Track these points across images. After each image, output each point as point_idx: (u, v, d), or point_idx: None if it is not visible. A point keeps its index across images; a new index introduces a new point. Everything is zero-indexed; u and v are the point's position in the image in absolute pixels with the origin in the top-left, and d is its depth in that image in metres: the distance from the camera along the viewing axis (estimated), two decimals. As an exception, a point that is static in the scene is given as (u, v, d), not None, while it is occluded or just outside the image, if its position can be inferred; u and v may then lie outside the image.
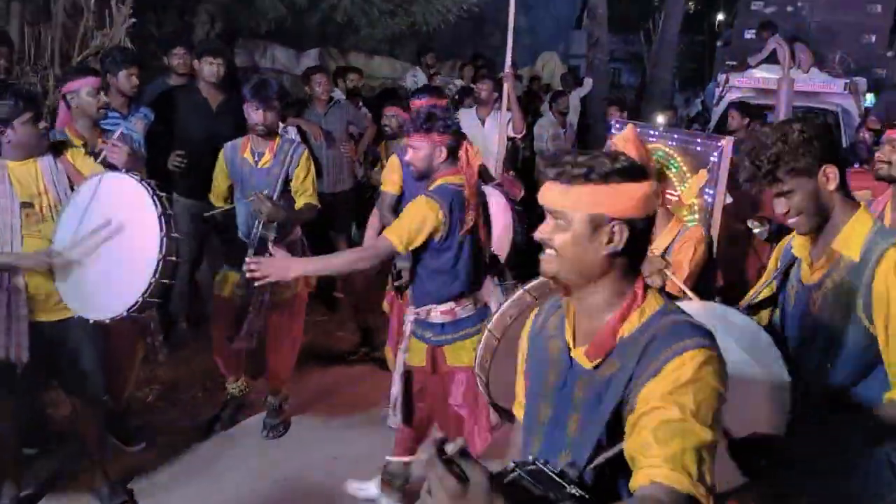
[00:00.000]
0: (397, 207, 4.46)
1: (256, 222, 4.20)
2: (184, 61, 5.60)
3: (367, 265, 3.45)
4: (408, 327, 3.71)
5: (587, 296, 1.71)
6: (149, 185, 3.27)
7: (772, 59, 9.07)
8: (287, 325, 4.62)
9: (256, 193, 4.11)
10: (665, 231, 3.42)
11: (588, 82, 11.60)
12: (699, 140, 4.61)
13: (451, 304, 3.57)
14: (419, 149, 3.48)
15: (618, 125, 5.95)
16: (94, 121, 4.09)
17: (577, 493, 1.50)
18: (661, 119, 7.60)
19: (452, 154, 3.52)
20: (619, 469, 1.60)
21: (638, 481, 1.50)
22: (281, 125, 5.72)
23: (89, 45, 5.77)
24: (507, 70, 6.11)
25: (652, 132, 5.21)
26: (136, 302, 3.19)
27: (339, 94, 7.38)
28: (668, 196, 4.67)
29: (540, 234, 1.71)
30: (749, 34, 10.48)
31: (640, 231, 1.66)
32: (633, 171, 1.64)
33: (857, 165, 6.43)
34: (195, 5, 8.51)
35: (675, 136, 4.82)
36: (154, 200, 3.21)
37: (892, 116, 7.20)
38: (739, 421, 2.23)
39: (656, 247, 3.37)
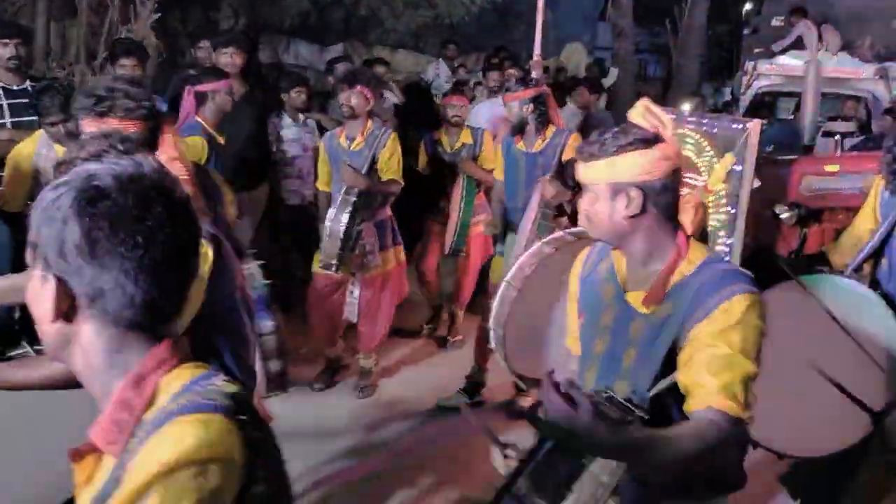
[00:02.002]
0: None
1: (341, 189, 4.53)
2: (209, 54, 5.65)
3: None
4: None
5: (627, 249, 1.96)
6: None
7: (799, 45, 8.92)
8: (376, 300, 4.91)
9: (343, 161, 4.58)
10: None
11: (613, 72, 11.53)
12: (725, 124, 4.55)
13: None
14: None
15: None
16: (224, 115, 4.57)
17: (643, 416, 1.73)
18: (686, 106, 7.52)
19: (149, 146, 2.38)
20: (674, 397, 1.84)
21: (693, 406, 1.76)
22: (301, 117, 5.76)
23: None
24: (536, 58, 6.10)
25: (677, 117, 5.15)
26: None
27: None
28: (693, 182, 4.62)
29: (581, 205, 1.97)
30: (777, 21, 10.31)
31: (658, 192, 1.87)
32: (643, 141, 1.86)
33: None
34: (219, 1, 8.57)
35: (701, 120, 4.77)
36: None
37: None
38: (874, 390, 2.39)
39: None
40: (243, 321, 2.40)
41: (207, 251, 2.20)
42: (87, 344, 1.15)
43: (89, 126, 2.53)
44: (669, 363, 1.85)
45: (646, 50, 20.51)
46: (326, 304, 4.90)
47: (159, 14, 5.96)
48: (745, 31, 11.45)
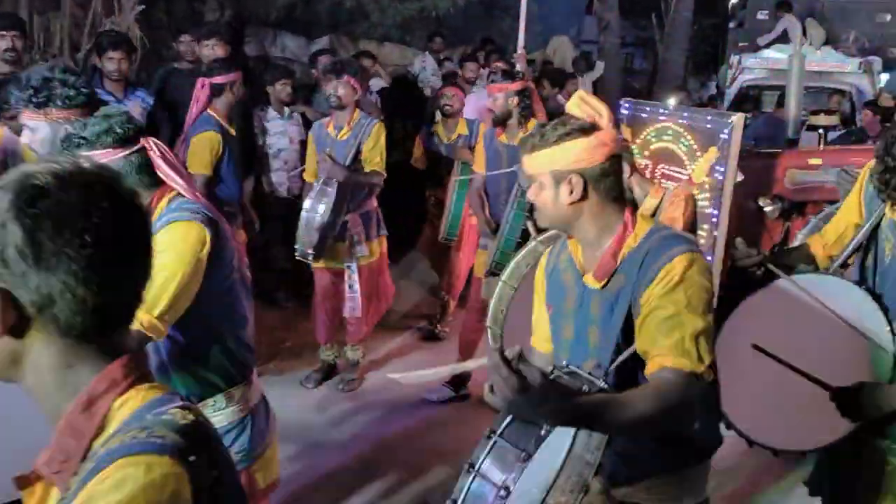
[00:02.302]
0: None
1: (320, 180, 4.55)
2: (191, 48, 5.62)
3: None
4: None
5: (578, 234, 2.04)
6: None
7: (784, 39, 8.97)
8: (368, 287, 4.88)
9: (322, 152, 4.60)
10: (649, 196, 3.43)
11: (599, 66, 11.53)
12: (709, 117, 4.57)
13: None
14: (35, 130, 2.51)
15: (626, 105, 5.91)
16: (233, 107, 4.66)
17: (605, 386, 1.80)
18: (672, 100, 7.54)
19: None
20: (637, 364, 1.91)
21: (651, 369, 1.83)
22: (286, 110, 5.75)
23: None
24: (520, 51, 6.11)
25: (662, 111, 5.18)
26: None
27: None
28: (677, 175, 4.64)
29: (528, 196, 2.06)
30: (762, 15, 10.39)
31: (597, 176, 1.96)
32: (580, 130, 1.95)
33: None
34: (204, -7, 8.53)
35: (685, 114, 4.79)
36: None
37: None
38: (842, 376, 2.39)
39: (645, 209, 3.39)
40: (241, 301, 2.42)
41: (206, 236, 2.19)
42: (37, 360, 1.06)
43: (29, 118, 2.53)
44: (629, 333, 1.94)
45: (632, 43, 20.54)
46: (333, 300, 4.93)
47: (143, 6, 5.92)
48: (731, 25, 11.50)
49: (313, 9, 10.03)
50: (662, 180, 5.03)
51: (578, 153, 1.94)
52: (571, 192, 1.95)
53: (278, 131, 5.74)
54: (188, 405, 1.09)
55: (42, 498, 1.10)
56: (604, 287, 2.00)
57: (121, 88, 4.84)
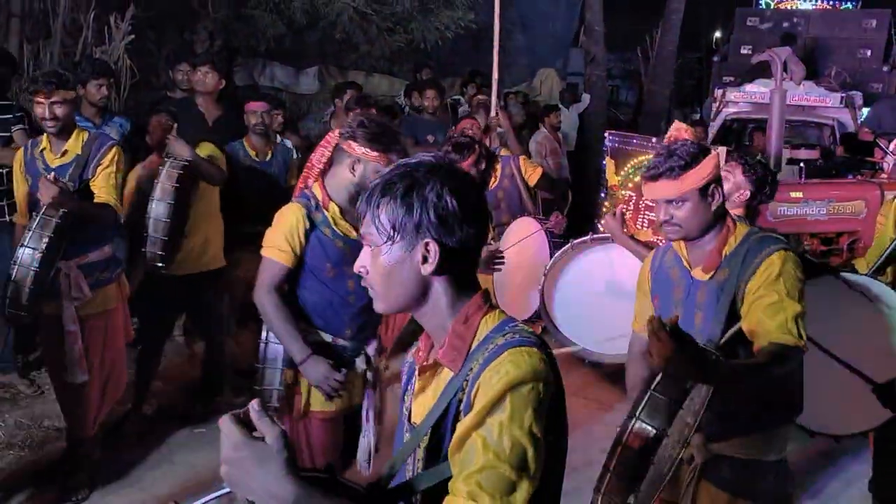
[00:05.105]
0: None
1: None
2: (187, 77, 5.66)
3: None
4: None
5: (701, 237, 2.44)
6: None
7: (767, 73, 9.10)
8: None
9: None
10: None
11: (585, 98, 11.66)
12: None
13: None
14: None
15: (611, 138, 6.00)
16: (267, 135, 5.21)
17: (718, 355, 2.17)
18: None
19: None
20: (739, 342, 2.33)
21: (759, 345, 2.26)
22: (278, 139, 5.79)
23: (88, 62, 5.81)
24: (495, 86, 6.18)
25: (648, 143, 5.25)
26: None
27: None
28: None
29: (662, 217, 2.42)
30: (745, 49, 10.54)
31: (721, 184, 2.42)
32: (704, 149, 2.41)
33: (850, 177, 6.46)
34: (195, 23, 8.58)
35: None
36: None
37: (884, 126, 7.25)
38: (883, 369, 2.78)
39: None
40: None
41: None
42: (437, 291, 1.53)
43: None
44: (732, 317, 2.33)
45: (617, 76, 20.75)
46: None
47: (133, 36, 5.96)
48: (715, 59, 11.65)
49: (302, 39, 10.11)
50: (647, 213, 5.09)
51: (712, 167, 2.37)
52: (715, 200, 2.38)
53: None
54: (524, 323, 1.56)
55: (427, 383, 1.60)
56: (710, 278, 2.40)
57: (98, 115, 4.86)
